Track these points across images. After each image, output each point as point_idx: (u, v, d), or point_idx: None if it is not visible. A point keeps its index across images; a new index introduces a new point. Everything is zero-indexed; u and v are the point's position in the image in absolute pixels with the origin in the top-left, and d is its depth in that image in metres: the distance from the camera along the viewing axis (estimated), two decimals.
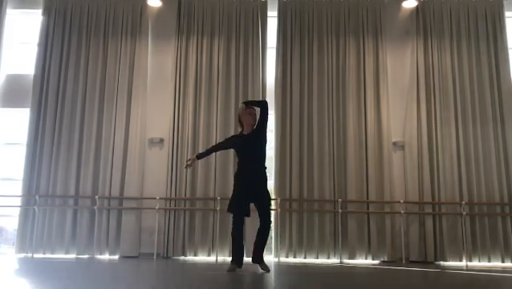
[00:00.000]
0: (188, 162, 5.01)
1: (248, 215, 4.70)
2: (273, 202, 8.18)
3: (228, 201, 8.12)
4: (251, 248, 4.77)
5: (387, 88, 8.46)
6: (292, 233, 7.95)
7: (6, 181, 8.70)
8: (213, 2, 8.79)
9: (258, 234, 4.70)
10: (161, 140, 8.43)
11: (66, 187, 8.17)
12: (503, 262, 7.85)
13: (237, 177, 4.83)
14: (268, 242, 4.89)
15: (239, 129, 5.09)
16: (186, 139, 8.29)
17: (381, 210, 8.03)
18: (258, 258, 4.65)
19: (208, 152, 5.14)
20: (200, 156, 5.08)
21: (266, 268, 4.52)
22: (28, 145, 8.31)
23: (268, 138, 8.63)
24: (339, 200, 7.93)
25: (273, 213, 8.15)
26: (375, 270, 5.19)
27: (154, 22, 8.87)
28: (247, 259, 4.88)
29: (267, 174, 4.96)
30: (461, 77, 8.53)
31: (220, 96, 8.41)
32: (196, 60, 8.58)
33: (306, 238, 7.90)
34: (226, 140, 5.24)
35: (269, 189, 4.93)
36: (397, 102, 8.55)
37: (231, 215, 4.70)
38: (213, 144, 8.22)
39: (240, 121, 4.96)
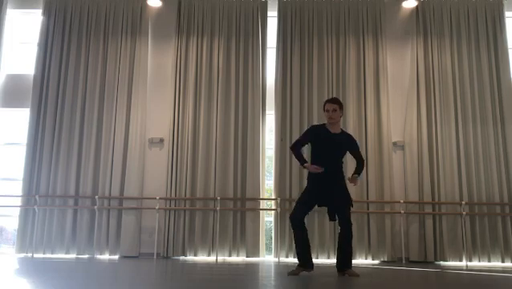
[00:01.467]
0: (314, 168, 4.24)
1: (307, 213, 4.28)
2: (273, 202, 8.19)
3: (227, 201, 8.11)
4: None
5: (387, 88, 8.46)
6: (292, 233, 7.93)
7: (6, 181, 8.70)
8: (213, 2, 8.79)
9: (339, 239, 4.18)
10: (161, 140, 8.43)
11: (66, 187, 8.17)
12: (503, 262, 7.85)
13: (312, 178, 4.29)
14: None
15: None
16: (186, 139, 8.29)
17: (381, 210, 8.03)
18: (340, 265, 4.14)
19: (300, 154, 4.39)
20: (304, 162, 4.30)
21: (353, 274, 4.02)
22: (28, 145, 8.31)
23: (269, 138, 8.69)
24: None
25: (273, 213, 8.15)
26: (375, 270, 5.18)
27: (154, 22, 8.87)
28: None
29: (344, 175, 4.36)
30: (461, 77, 8.53)
31: (220, 96, 8.41)
32: (196, 60, 8.58)
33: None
34: (306, 134, 4.39)
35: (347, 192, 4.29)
36: (397, 102, 8.55)
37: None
38: (213, 144, 8.23)
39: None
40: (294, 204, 8.10)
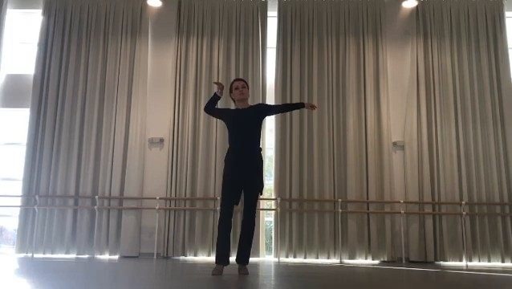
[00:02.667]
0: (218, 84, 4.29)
1: (237, 203, 4.10)
2: (273, 202, 8.19)
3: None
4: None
5: (387, 88, 8.46)
6: (292, 233, 7.95)
7: (6, 181, 8.70)
8: (213, 2, 8.79)
9: (241, 231, 4.10)
10: (161, 140, 8.43)
11: (66, 187, 8.17)
12: (503, 262, 7.85)
13: (227, 158, 4.16)
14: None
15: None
16: (186, 139, 8.29)
17: (381, 210, 8.03)
18: (240, 258, 4.07)
19: (212, 104, 4.30)
20: (214, 99, 4.28)
21: (244, 271, 3.98)
22: (28, 145, 8.31)
23: (268, 138, 8.69)
24: (339, 200, 7.93)
25: (273, 213, 8.16)
26: (375, 270, 5.19)
27: (154, 22, 8.87)
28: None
29: (262, 157, 4.20)
30: (461, 77, 8.54)
31: None
32: (196, 60, 8.59)
33: (306, 238, 7.90)
34: (222, 109, 4.45)
35: (265, 181, 4.17)
36: (397, 102, 8.55)
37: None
38: (213, 144, 8.25)
39: (232, 97, 4.34)
40: (294, 204, 8.14)
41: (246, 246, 4.10)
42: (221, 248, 3.98)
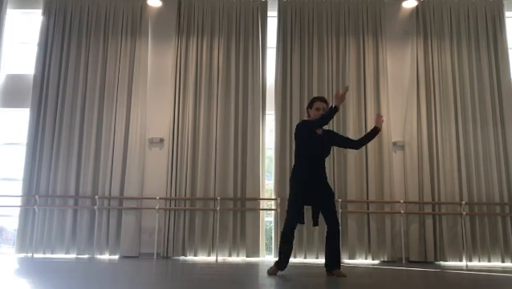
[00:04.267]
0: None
1: (303, 222, 4.27)
2: (272, 202, 8.20)
3: (227, 201, 8.08)
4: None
5: (387, 88, 8.46)
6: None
7: (6, 181, 8.70)
8: (213, 2, 8.79)
9: (328, 239, 4.20)
10: (161, 140, 8.43)
11: (66, 187, 8.17)
12: (503, 262, 7.85)
13: (298, 177, 4.30)
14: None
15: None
16: (186, 139, 8.29)
17: (381, 210, 8.03)
18: (329, 266, 4.15)
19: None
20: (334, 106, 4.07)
21: (343, 274, 4.00)
22: (28, 145, 8.31)
23: (269, 138, 8.70)
24: (339, 200, 7.92)
25: (273, 213, 8.16)
26: (375, 270, 5.18)
27: (154, 22, 8.87)
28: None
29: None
30: (461, 77, 8.54)
31: (220, 96, 8.41)
32: (196, 60, 8.59)
33: (306, 238, 7.90)
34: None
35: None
36: (397, 102, 8.55)
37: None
38: (213, 143, 8.23)
39: (309, 113, 4.39)
40: None
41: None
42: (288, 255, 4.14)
